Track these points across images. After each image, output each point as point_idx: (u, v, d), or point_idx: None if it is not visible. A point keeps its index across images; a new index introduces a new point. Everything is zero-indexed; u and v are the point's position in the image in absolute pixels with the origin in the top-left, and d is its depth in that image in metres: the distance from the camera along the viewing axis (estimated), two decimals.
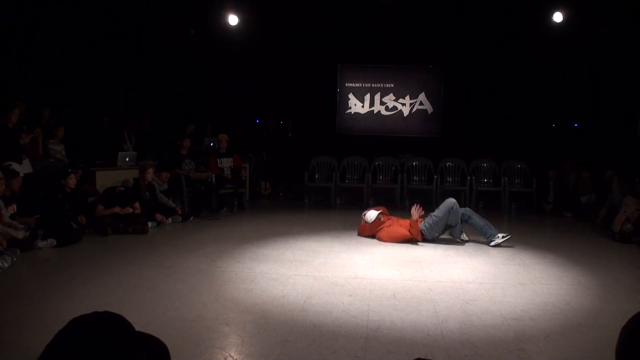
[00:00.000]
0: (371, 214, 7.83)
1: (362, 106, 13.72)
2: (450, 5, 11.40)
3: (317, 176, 11.56)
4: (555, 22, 10.78)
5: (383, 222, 7.71)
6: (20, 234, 6.63)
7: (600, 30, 10.85)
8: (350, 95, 13.75)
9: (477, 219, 7.44)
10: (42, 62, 10.20)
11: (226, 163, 10.56)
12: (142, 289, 5.05)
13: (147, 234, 7.90)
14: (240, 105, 13.75)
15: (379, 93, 13.65)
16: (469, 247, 7.34)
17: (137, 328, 1.30)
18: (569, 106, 12.98)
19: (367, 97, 13.69)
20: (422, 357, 1.66)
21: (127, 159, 9.75)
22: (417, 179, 11.47)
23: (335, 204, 11.07)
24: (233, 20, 11.20)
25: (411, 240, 7.44)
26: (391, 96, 13.62)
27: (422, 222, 7.55)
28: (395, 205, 11.06)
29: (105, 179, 9.07)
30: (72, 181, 7.61)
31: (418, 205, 7.43)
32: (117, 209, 7.90)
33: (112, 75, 11.72)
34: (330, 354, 3.65)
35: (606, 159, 11.01)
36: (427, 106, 13.52)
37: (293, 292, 5.03)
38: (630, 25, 10.13)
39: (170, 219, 8.77)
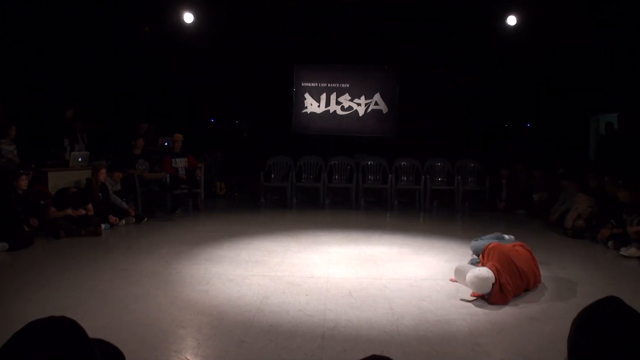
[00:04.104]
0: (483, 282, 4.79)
1: (318, 106, 13.72)
2: (407, 6, 11.50)
3: (273, 176, 11.53)
4: (509, 26, 11.02)
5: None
6: None
7: (552, 34, 11.15)
8: (307, 95, 13.74)
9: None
10: None
11: (181, 163, 10.43)
12: (97, 292, 4.95)
13: (100, 236, 7.73)
14: (195, 104, 13.60)
15: (335, 93, 13.67)
16: (423, 245, 7.44)
17: (93, 332, 1.28)
18: (522, 107, 13.30)
19: (323, 96, 13.70)
20: (379, 354, 1.68)
21: (79, 159, 9.53)
22: (372, 178, 11.56)
23: (291, 204, 11.06)
24: (188, 18, 11.07)
25: None
26: (347, 96, 13.66)
27: None
28: (350, 205, 11.14)
29: (57, 180, 8.82)
30: (23, 182, 7.38)
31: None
32: (69, 211, 7.70)
33: (64, 72, 11.38)
34: (287, 353, 3.65)
35: (557, 158, 11.33)
36: (382, 106, 13.62)
37: (249, 292, 5.01)
38: (581, 28, 10.43)
39: (123, 221, 8.60)
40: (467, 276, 4.82)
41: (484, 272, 4.75)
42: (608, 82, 11.10)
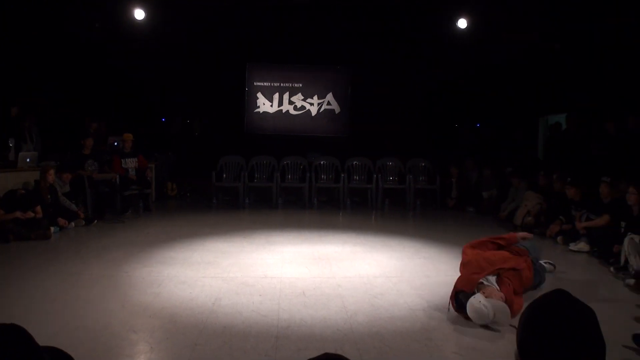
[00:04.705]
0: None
1: (271, 105, 13.70)
2: (359, 8, 11.58)
3: (225, 176, 11.45)
4: (460, 28, 11.25)
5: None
6: None
7: (502, 36, 11.44)
8: (259, 95, 13.70)
9: None
10: None
11: (131, 163, 10.24)
12: (47, 298, 4.82)
13: (49, 239, 7.52)
14: (145, 103, 13.37)
15: (288, 92, 13.68)
16: (376, 243, 7.52)
17: (43, 339, 1.27)
18: (472, 107, 13.58)
19: (276, 96, 13.69)
20: (332, 352, 1.70)
21: (27, 160, 9.23)
22: (324, 177, 11.61)
23: (244, 204, 11.01)
24: (139, 14, 10.87)
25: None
26: (299, 96, 13.68)
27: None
28: (303, 204, 11.16)
29: (5, 182, 8.49)
30: None
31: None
32: (18, 214, 7.46)
33: (12, 69, 10.98)
34: (241, 354, 3.65)
35: (506, 157, 11.63)
36: (335, 106, 13.70)
37: (202, 294, 4.97)
38: (530, 31, 10.73)
39: (73, 223, 8.39)
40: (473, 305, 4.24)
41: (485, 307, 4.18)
42: (556, 84, 11.47)
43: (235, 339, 3.90)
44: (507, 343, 3.87)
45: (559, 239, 7.68)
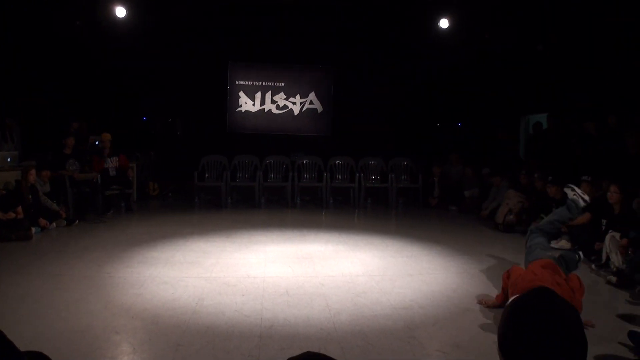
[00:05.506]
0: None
1: (253, 104, 13.66)
2: (341, 7, 11.59)
3: (207, 175, 11.40)
4: (442, 28, 11.32)
5: None
6: None
7: (485, 36, 11.52)
8: (241, 94, 13.65)
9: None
10: None
11: (112, 163, 10.16)
12: (28, 300, 4.76)
13: (31, 240, 7.43)
14: (127, 102, 13.25)
15: (270, 92, 13.65)
16: (359, 242, 7.54)
17: (24, 342, 1.25)
18: (454, 107, 13.66)
19: (258, 95, 13.65)
20: (315, 351, 1.69)
21: (8, 160, 9.11)
22: (307, 176, 11.62)
23: (226, 204, 10.97)
24: (121, 12, 10.78)
25: None
26: (282, 95, 13.66)
27: None
28: (286, 203, 11.16)
29: None
30: None
31: None
32: None
33: None
34: (225, 354, 3.64)
35: (488, 156, 11.73)
36: (317, 105, 13.70)
37: (184, 294, 4.95)
38: (513, 32, 10.82)
39: (54, 224, 8.29)
40: None
41: None
42: (538, 84, 11.58)
43: (218, 339, 3.89)
44: (489, 340, 3.90)
45: None
